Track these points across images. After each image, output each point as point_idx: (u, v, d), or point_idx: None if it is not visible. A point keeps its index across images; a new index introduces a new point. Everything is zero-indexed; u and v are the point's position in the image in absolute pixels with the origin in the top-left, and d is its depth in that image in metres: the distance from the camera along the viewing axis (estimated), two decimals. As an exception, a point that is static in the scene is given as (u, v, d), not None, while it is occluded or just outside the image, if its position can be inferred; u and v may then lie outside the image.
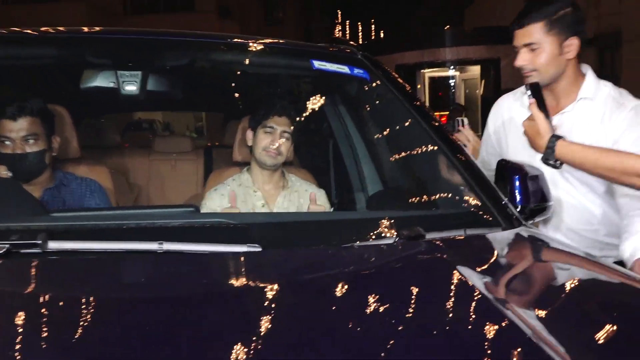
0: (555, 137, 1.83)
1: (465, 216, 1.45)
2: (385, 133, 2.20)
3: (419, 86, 13.67)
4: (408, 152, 1.95)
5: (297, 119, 2.32)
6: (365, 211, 2.28)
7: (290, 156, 2.44)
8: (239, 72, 2.14)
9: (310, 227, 1.29)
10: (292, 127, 2.26)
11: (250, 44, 1.91)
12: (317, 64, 1.90)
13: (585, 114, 1.95)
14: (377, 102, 2.06)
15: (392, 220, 1.30)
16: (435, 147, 1.74)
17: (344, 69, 1.94)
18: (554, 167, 1.85)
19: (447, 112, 11.36)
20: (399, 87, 1.95)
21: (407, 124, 1.90)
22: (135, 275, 1.06)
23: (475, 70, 13.53)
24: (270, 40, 2.02)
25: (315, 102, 2.46)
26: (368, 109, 2.27)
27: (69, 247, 1.04)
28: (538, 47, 1.91)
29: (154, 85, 1.84)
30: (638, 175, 1.71)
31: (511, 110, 2.17)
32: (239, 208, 2.22)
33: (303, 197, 2.36)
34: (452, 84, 14.54)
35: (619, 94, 1.94)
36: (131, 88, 1.76)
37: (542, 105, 1.89)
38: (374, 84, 1.99)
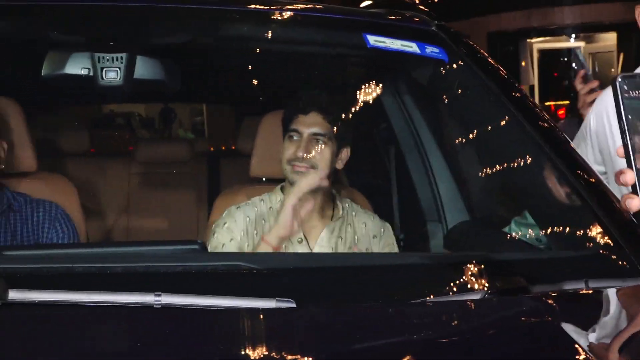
0: None
1: (588, 261, 1.49)
2: (471, 139, 2.26)
3: (523, 64, 13.62)
4: (505, 166, 2.00)
5: (343, 113, 2.38)
6: (441, 252, 2.34)
7: (339, 169, 2.49)
8: (257, 52, 2.23)
9: (364, 275, 1.36)
10: (329, 126, 2.31)
11: (275, 13, 2.00)
12: (372, 40, 1.98)
13: None
14: (460, 94, 2.13)
15: (481, 266, 1.36)
16: (546, 161, 1.79)
17: (412, 47, 2.01)
18: None
19: (566, 103, 11.28)
20: (493, 72, 2.01)
21: (503, 126, 1.96)
22: (123, 338, 1.14)
23: (609, 39, 13.41)
24: (304, 5, 2.10)
25: (367, 93, 2.53)
26: (446, 104, 2.33)
27: (36, 298, 1.14)
28: None
29: (143, 72, 1.94)
30: None
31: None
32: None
33: (359, 232, 2.41)
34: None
35: None
36: (113, 76, 1.87)
37: None
38: (455, 69, 2.05)
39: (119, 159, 4.04)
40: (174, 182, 3.86)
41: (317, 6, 2.15)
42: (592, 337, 1.20)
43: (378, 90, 2.58)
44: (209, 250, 2.27)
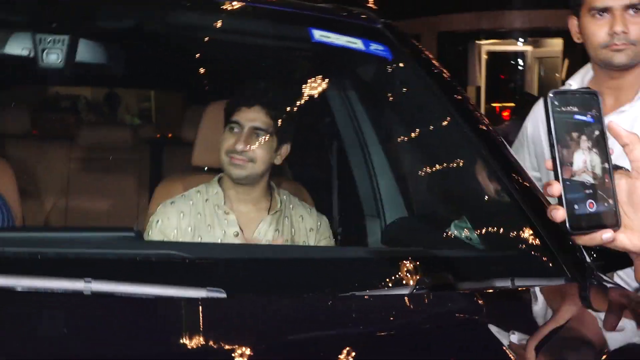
0: None
1: (516, 260, 1.54)
2: (411, 137, 2.29)
3: (471, 65, 13.75)
4: (442, 165, 2.04)
5: (286, 109, 2.39)
6: (376, 247, 2.36)
7: (276, 164, 2.51)
8: (205, 41, 2.23)
9: (297, 267, 1.38)
10: (271, 122, 2.31)
11: (225, 2, 2.00)
12: (317, 34, 2.00)
13: None
14: (402, 93, 2.16)
15: (413, 261, 1.39)
16: (481, 162, 1.83)
17: (357, 44, 2.03)
18: None
19: (511, 105, 11.45)
20: (435, 73, 2.04)
21: (442, 126, 1.99)
22: (51, 325, 1.14)
23: (555, 44, 13.62)
24: None
25: (312, 88, 2.54)
26: (390, 101, 2.36)
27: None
28: None
29: (86, 55, 1.93)
30: None
31: None
32: (200, 236, 2.30)
33: (296, 225, 2.42)
34: (522, 64, 14.64)
35: None
36: (53, 58, 1.85)
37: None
38: (399, 67, 2.08)
39: (61, 142, 3.97)
40: (115, 167, 3.82)
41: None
42: (514, 335, 1.23)
43: (323, 85, 2.59)
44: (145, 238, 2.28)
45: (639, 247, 1.16)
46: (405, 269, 1.37)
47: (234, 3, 2.01)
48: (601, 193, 1.13)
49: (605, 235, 1.13)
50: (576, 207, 1.12)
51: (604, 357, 1.20)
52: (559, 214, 1.12)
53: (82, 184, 3.72)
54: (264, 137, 2.29)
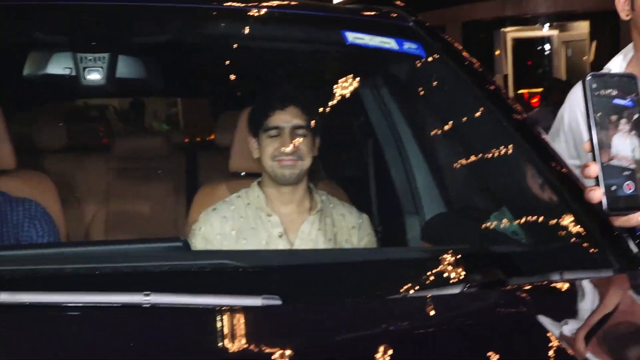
0: None
1: (563, 253, 1.54)
2: (447, 133, 2.30)
3: (497, 52, 13.70)
4: (480, 159, 2.05)
5: (319, 107, 2.42)
6: (421, 247, 2.38)
7: (313, 161, 2.54)
8: (236, 48, 2.26)
9: (347, 270, 1.40)
10: (310, 119, 2.36)
11: (252, 10, 2.03)
12: (351, 37, 2.02)
13: None
14: (437, 89, 2.17)
15: (459, 259, 1.40)
16: (519, 153, 1.84)
17: (390, 44, 2.05)
18: None
19: (539, 90, 11.39)
20: (468, 66, 2.06)
21: (479, 120, 2.00)
22: (114, 338, 1.17)
23: (582, 27, 13.52)
24: (282, 2, 2.12)
25: (345, 86, 2.56)
26: (424, 98, 2.37)
27: (26, 300, 1.16)
28: None
29: (124, 70, 1.97)
30: None
31: None
32: (245, 238, 2.33)
33: (338, 224, 2.46)
34: (548, 49, 14.55)
35: None
36: (95, 76, 1.89)
37: None
38: (432, 63, 2.09)
39: (97, 153, 4.06)
40: (153, 175, 3.88)
41: (295, 2, 2.18)
42: (566, 328, 1.25)
43: (355, 84, 2.61)
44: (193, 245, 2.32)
45: None
46: (450, 267, 1.38)
47: (261, 10, 2.04)
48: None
49: None
50: (613, 188, 1.14)
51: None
52: (596, 194, 1.14)
53: (120, 194, 3.78)
54: (303, 133, 2.34)
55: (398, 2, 2.35)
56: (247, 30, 2.06)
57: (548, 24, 14.17)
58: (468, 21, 12.83)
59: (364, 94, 2.70)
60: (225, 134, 3.09)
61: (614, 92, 1.16)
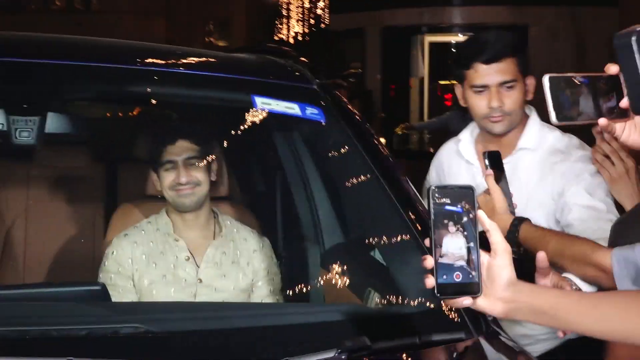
0: (519, 220, 2.21)
1: (422, 316, 1.77)
2: (341, 183, 2.51)
3: (413, 52, 13.97)
4: (363, 220, 2.27)
5: (218, 134, 2.56)
6: (306, 304, 2.54)
7: (221, 184, 2.68)
8: (154, 103, 2.41)
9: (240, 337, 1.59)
10: (197, 147, 2.50)
11: (168, 72, 2.18)
12: (260, 102, 2.21)
13: (525, 166, 2.43)
14: (333, 145, 2.38)
15: (336, 324, 1.61)
16: (397, 217, 2.08)
17: (294, 109, 2.25)
18: (516, 254, 2.15)
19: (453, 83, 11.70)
20: (361, 134, 2.29)
21: (364, 180, 2.23)
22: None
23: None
24: (195, 60, 2.24)
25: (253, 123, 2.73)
26: (324, 151, 2.58)
27: None
28: (513, 85, 2.36)
29: (53, 128, 2.09)
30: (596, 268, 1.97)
31: (450, 159, 2.65)
32: (155, 262, 2.49)
33: (240, 247, 2.65)
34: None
35: (565, 145, 2.41)
36: (25, 136, 2.01)
37: (501, 176, 2.29)
38: (329, 127, 2.30)
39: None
40: (72, 187, 3.88)
41: (208, 60, 2.33)
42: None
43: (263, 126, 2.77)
44: (101, 277, 2.48)
45: (494, 311, 1.42)
46: (328, 332, 1.60)
47: (176, 72, 2.19)
48: (466, 268, 1.39)
49: (466, 301, 1.39)
50: (445, 277, 1.38)
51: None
52: (429, 281, 1.39)
53: (41, 208, 3.75)
54: (197, 161, 2.50)
55: (303, 59, 2.55)
56: (163, 89, 2.22)
57: (462, 34, 14.54)
58: (387, 26, 13.07)
59: (274, 134, 2.88)
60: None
61: (449, 200, 1.40)
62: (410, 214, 2.06)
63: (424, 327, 1.72)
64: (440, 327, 1.75)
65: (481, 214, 1.42)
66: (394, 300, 1.99)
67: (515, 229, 2.18)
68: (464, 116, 2.90)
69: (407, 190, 2.16)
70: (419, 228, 2.00)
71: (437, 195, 1.40)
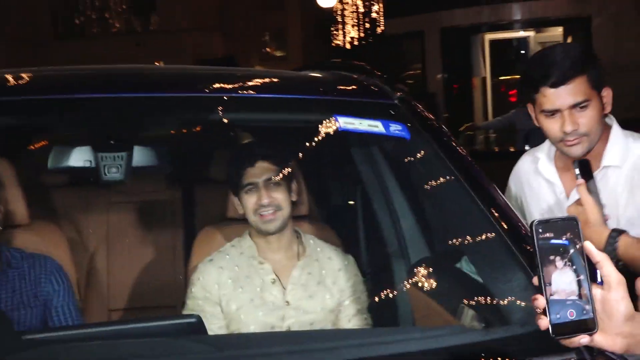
0: (617, 232, 2.10)
1: (529, 338, 1.69)
2: (425, 197, 2.45)
3: (474, 51, 13.84)
4: (452, 234, 2.21)
5: (297, 154, 2.55)
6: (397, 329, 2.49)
7: (302, 203, 2.66)
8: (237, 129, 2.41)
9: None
10: (276, 167, 2.50)
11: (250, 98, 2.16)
12: (342, 122, 2.17)
13: (612, 184, 2.28)
14: (419, 159, 2.32)
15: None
16: (489, 230, 2.01)
17: (378, 127, 2.20)
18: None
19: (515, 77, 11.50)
20: (447, 144, 2.23)
21: (452, 193, 2.17)
22: None
23: (556, 32, 13.70)
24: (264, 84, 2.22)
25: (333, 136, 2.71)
26: (408, 166, 2.53)
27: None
28: (587, 104, 2.21)
29: (139, 161, 2.11)
30: None
31: (529, 177, 2.53)
32: (241, 286, 2.48)
33: (325, 267, 2.62)
34: (524, 48, 14.71)
35: None
36: (114, 172, 2.03)
37: (592, 186, 2.19)
38: (416, 143, 2.25)
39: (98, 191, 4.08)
40: (150, 213, 3.91)
41: (286, 82, 2.31)
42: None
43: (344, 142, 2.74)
44: (188, 303, 2.49)
45: (614, 347, 1.35)
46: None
47: (261, 99, 2.18)
48: (579, 303, 1.33)
49: (583, 339, 1.33)
50: (558, 316, 1.32)
51: None
52: (543, 323, 1.32)
53: (121, 236, 3.78)
54: (277, 182, 2.49)
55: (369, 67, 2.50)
56: (248, 115, 2.21)
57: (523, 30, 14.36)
58: (446, 27, 13.00)
59: (353, 150, 2.85)
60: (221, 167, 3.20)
61: (553, 234, 1.34)
62: (502, 224, 1.97)
63: (534, 351, 1.65)
64: (550, 350, 1.67)
65: (588, 245, 1.36)
66: (495, 320, 1.93)
67: (614, 242, 2.08)
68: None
69: (497, 202, 2.07)
70: (514, 240, 1.92)
71: (540, 229, 1.34)
